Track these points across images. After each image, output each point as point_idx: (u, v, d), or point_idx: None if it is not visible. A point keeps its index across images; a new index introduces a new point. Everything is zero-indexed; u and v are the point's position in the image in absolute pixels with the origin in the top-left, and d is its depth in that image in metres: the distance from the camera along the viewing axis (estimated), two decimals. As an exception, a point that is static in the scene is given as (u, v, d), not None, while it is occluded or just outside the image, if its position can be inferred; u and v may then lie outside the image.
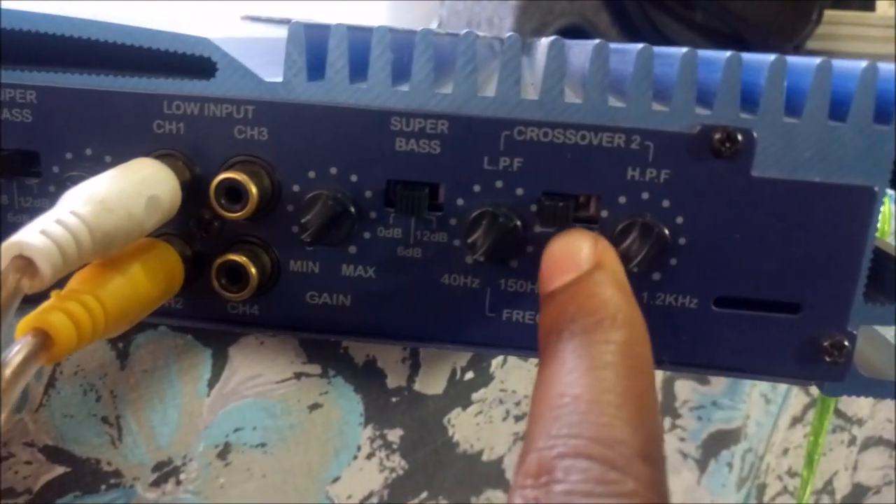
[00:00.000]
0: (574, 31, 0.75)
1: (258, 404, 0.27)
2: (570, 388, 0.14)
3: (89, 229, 0.15)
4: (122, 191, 0.16)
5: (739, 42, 0.81)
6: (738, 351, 0.20)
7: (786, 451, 0.45)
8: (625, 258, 0.18)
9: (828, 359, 0.19)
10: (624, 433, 0.14)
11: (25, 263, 0.14)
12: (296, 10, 0.75)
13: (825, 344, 0.19)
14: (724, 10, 0.78)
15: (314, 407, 0.28)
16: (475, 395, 0.31)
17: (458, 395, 0.31)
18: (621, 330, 0.15)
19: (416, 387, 0.30)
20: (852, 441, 0.46)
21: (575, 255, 0.17)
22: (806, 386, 0.22)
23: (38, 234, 0.14)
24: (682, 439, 0.40)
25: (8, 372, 0.13)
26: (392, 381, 0.29)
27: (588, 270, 0.17)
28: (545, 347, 0.16)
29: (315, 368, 0.27)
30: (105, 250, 0.16)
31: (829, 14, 0.88)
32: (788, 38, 0.83)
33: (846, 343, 0.19)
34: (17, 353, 0.14)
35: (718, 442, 0.41)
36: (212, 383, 0.26)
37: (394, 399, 0.29)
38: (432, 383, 0.30)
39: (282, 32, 0.29)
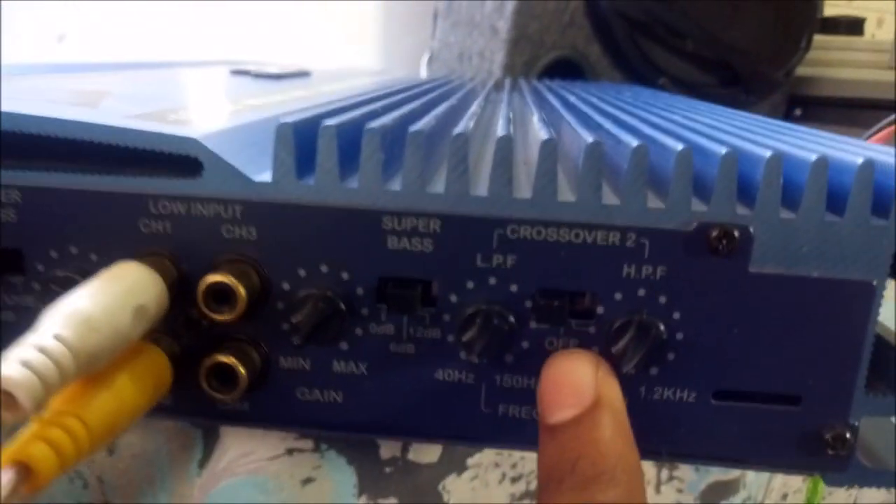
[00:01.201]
0: (565, 64, 0.75)
1: (250, 481, 0.26)
2: None
3: (73, 353, 0.15)
4: (108, 306, 0.16)
5: (729, 70, 0.81)
6: (738, 443, 0.19)
7: (785, 497, 0.44)
8: (621, 358, 0.18)
9: (830, 451, 0.19)
10: None
11: (6, 397, 0.14)
12: (280, 48, 0.75)
13: (827, 436, 0.19)
14: (714, 39, 0.78)
15: (307, 481, 0.27)
16: (470, 461, 0.31)
17: (453, 461, 0.31)
18: (619, 487, 0.15)
19: (410, 456, 0.29)
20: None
21: (576, 385, 0.17)
22: (808, 476, 0.22)
23: (18, 367, 0.14)
24: (680, 490, 0.40)
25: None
26: (386, 452, 0.29)
27: (589, 407, 0.16)
28: (544, 489, 0.16)
29: (307, 443, 0.27)
30: (90, 369, 0.15)
31: (818, 39, 0.88)
32: (778, 66, 0.84)
33: (848, 435, 0.19)
34: (-2, 491, 0.13)
35: (717, 493, 0.40)
36: (203, 463, 0.25)
37: (387, 469, 0.29)
38: (427, 452, 0.30)
39: (271, 97, 0.29)
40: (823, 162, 0.17)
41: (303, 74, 0.43)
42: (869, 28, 1.05)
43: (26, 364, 0.14)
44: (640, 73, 0.77)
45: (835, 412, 0.19)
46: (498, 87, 0.53)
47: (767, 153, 0.17)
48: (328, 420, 0.20)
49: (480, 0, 0.75)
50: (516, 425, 0.19)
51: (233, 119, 0.22)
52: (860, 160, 0.17)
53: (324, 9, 0.84)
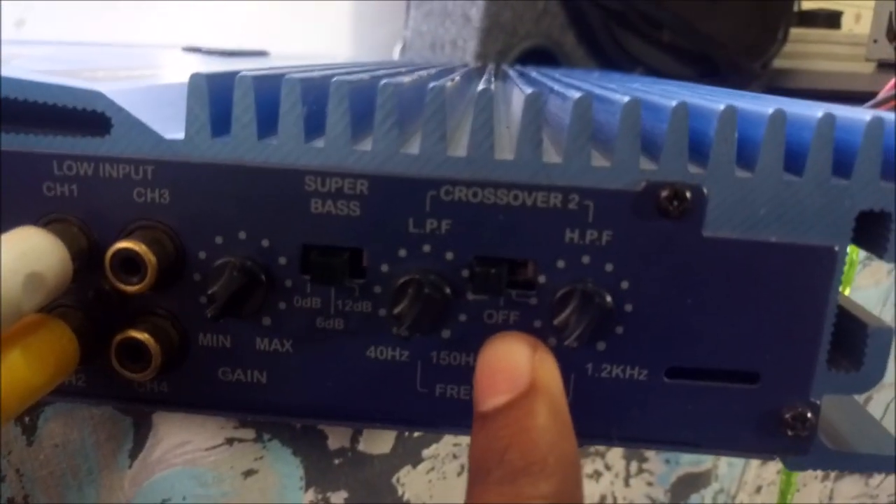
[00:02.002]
0: (540, 53, 0.74)
1: (187, 473, 0.25)
2: None
3: (-54, 321, 0.13)
4: (-8, 271, 0.14)
5: (707, 61, 0.80)
6: (692, 424, 0.18)
7: (759, 489, 0.43)
8: (563, 330, 0.16)
9: (790, 432, 0.18)
10: None
11: None
12: (248, 37, 0.74)
13: (787, 416, 0.18)
14: (692, 30, 0.77)
15: (249, 473, 0.26)
16: (426, 452, 0.30)
17: (408, 452, 0.29)
18: (551, 479, 0.14)
19: (361, 447, 0.28)
20: (826, 475, 0.44)
21: (510, 370, 0.16)
22: (767, 460, 0.20)
23: None
24: (650, 483, 0.39)
25: None
26: (334, 443, 0.27)
27: (523, 393, 0.15)
28: (472, 482, 0.15)
29: (248, 433, 0.25)
30: (-31, 341, 0.14)
31: (795, 32, 0.88)
32: (755, 57, 0.83)
33: (809, 414, 0.17)
34: None
35: (688, 485, 0.39)
36: (134, 454, 0.24)
37: (336, 461, 0.27)
38: (378, 443, 0.28)
39: (219, 66, 0.27)
40: (781, 115, 0.16)
41: (259, 54, 0.42)
42: (847, 23, 1.04)
43: None
44: (616, 63, 0.76)
45: (795, 390, 0.17)
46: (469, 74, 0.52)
47: (721, 106, 0.16)
48: (253, 402, 0.18)
49: (453, -12, 0.73)
50: (456, 407, 0.18)
51: (152, 80, 0.20)
52: (820, 114, 0.16)
53: (294, -2, 0.82)
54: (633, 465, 0.38)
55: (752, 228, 0.17)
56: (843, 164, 0.16)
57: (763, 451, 0.18)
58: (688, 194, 0.16)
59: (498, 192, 0.16)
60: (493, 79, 0.22)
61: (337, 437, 0.27)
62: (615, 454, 0.37)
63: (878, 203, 0.16)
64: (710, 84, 0.78)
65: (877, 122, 0.16)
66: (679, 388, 0.18)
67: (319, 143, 0.17)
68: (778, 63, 0.88)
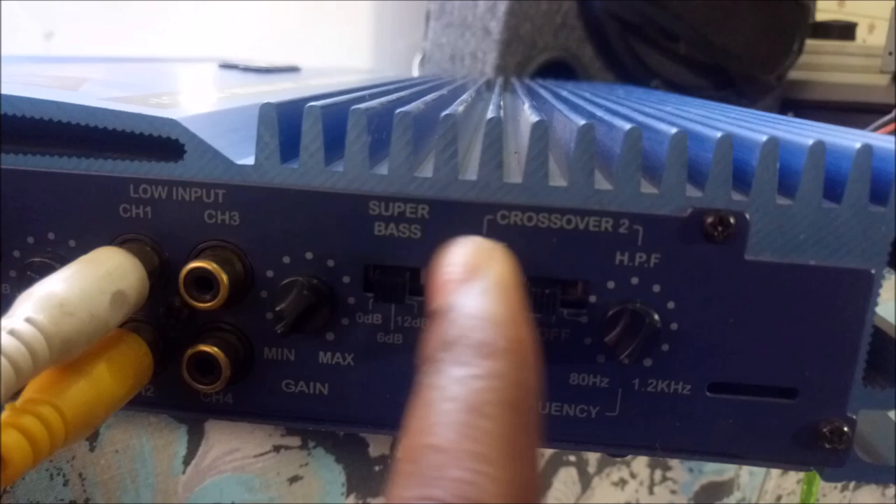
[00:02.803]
0: (558, 65, 0.75)
1: (236, 479, 0.26)
2: (429, 435, 0.12)
3: (46, 337, 0.14)
4: (84, 290, 0.15)
5: (722, 73, 0.81)
6: (733, 437, 0.19)
7: (779, 498, 0.44)
8: (614, 348, 0.17)
9: (827, 445, 0.18)
10: (489, 492, 0.12)
11: (-25, 383, 0.13)
12: (271, 49, 0.75)
13: (824, 430, 0.18)
14: (707, 42, 0.78)
15: (294, 479, 0.27)
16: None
17: (444, 460, 0.30)
18: (500, 360, 0.13)
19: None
20: (846, 486, 0.45)
21: (459, 265, 0.15)
22: (804, 472, 0.21)
23: (-12, 350, 0.13)
24: (674, 492, 0.39)
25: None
26: (375, 450, 0.28)
27: (470, 283, 0.14)
28: (423, 372, 0.14)
29: (294, 440, 0.26)
30: (65, 356, 0.15)
31: (810, 43, 0.89)
32: (770, 70, 0.83)
33: (846, 429, 0.18)
34: (-35, 480, 0.13)
35: (711, 494, 0.40)
36: (187, 460, 0.25)
37: (377, 468, 0.28)
38: (417, 450, 0.29)
39: (258, 87, 0.28)
40: (821, 147, 0.17)
41: (292, 69, 0.43)
42: (861, 33, 1.05)
43: (-4, 347, 0.13)
44: (633, 74, 0.77)
45: (832, 405, 0.18)
46: (490, 85, 0.53)
47: (763, 137, 0.17)
48: (314, 413, 0.19)
49: (473, 1, 0.75)
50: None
51: (218, 104, 0.21)
52: (858, 145, 0.17)
53: (315, 9, 0.84)
54: (658, 474, 0.39)
55: (792, 252, 0.17)
56: (879, 191, 0.17)
57: (801, 463, 0.19)
58: (732, 220, 0.17)
59: (552, 217, 0.17)
60: (534, 102, 0.23)
61: (378, 445, 0.28)
62: (640, 462, 0.38)
63: (913, 229, 0.17)
64: (726, 95, 0.79)
65: (913, 152, 0.17)
66: (721, 402, 0.19)
67: (383, 169, 0.18)
68: (793, 74, 0.89)
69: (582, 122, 0.17)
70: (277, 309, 0.18)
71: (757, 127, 0.20)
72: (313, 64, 0.57)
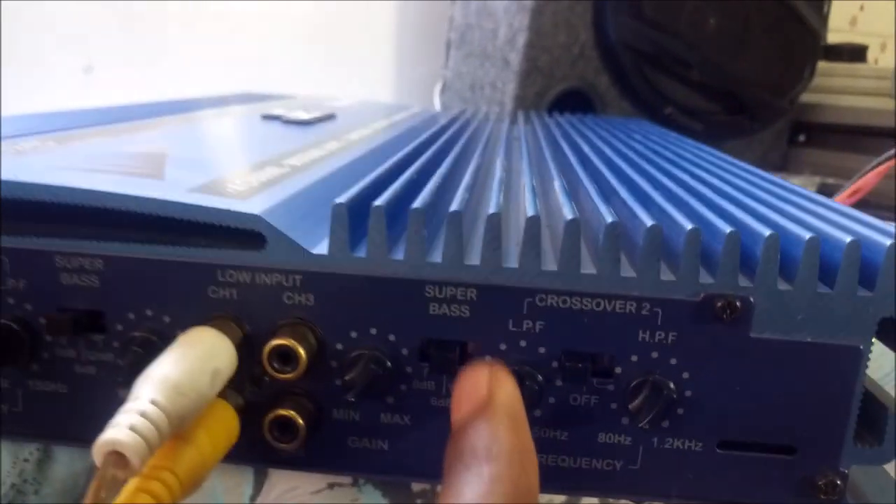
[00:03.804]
0: (575, 94, 0.77)
1: (294, 513, 0.29)
2: None
3: (168, 416, 0.17)
4: (191, 372, 0.18)
5: (735, 98, 0.83)
6: (739, 487, 0.22)
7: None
8: (637, 415, 0.20)
9: (822, 496, 0.21)
10: None
11: (118, 458, 0.16)
12: (295, 79, 0.78)
13: (819, 482, 0.21)
14: (720, 69, 0.80)
15: (345, 512, 0.30)
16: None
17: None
18: (501, 462, 0.17)
19: (440, 489, 0.31)
20: None
21: (471, 391, 0.19)
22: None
23: (126, 431, 0.16)
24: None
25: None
26: (417, 486, 0.31)
27: (480, 406, 0.18)
28: (444, 478, 0.18)
29: (346, 479, 0.29)
30: (179, 429, 0.18)
31: (821, 66, 0.91)
32: (782, 94, 0.86)
33: (838, 482, 0.21)
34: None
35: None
36: (254, 497, 0.28)
37: (418, 501, 0.31)
38: (454, 484, 0.32)
39: (310, 153, 0.31)
40: (815, 242, 0.20)
41: (328, 118, 0.46)
42: (873, 52, 1.07)
43: (133, 428, 0.16)
44: (648, 102, 0.79)
45: (826, 461, 0.21)
46: (512, 122, 0.55)
47: (767, 231, 0.20)
48: (375, 465, 0.22)
49: (493, 32, 0.77)
50: (545, 471, 0.22)
51: (286, 186, 0.24)
52: (848, 239, 0.20)
53: (339, 38, 0.87)
54: None
55: (791, 330, 0.20)
56: (868, 278, 0.20)
57: (799, 510, 0.22)
58: (738, 304, 0.20)
59: (583, 300, 0.20)
60: (562, 180, 0.26)
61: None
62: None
63: (896, 311, 0.20)
64: (739, 119, 0.81)
65: (894, 246, 0.20)
66: (728, 457, 0.21)
67: (437, 257, 0.20)
68: (805, 98, 0.91)
69: (609, 217, 0.20)
70: (347, 378, 0.21)
71: (763, 212, 0.23)
72: (342, 102, 0.60)
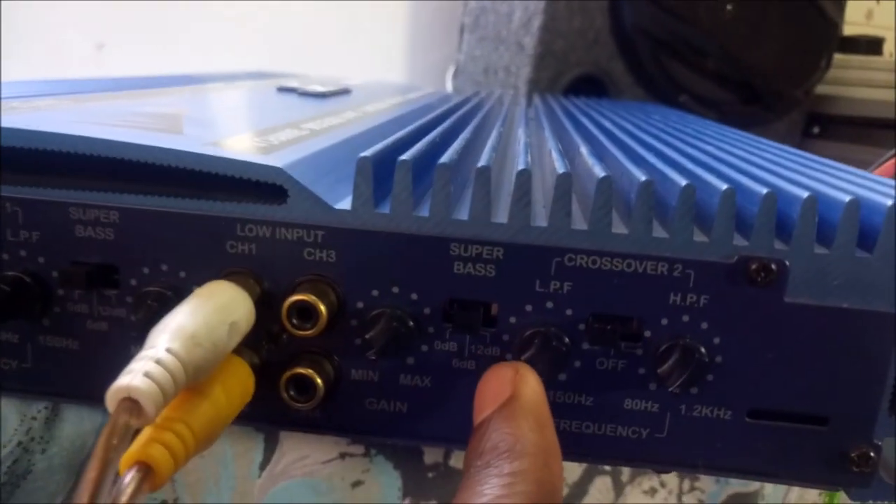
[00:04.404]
0: (589, 80, 0.76)
1: (305, 483, 0.28)
2: None
3: (184, 366, 0.16)
4: (208, 323, 0.18)
5: (750, 88, 0.82)
6: (769, 459, 0.21)
7: (801, 509, 0.46)
8: (666, 379, 0.20)
9: (855, 469, 0.21)
10: None
11: (132, 405, 0.15)
12: (309, 60, 0.77)
13: (853, 455, 0.21)
14: (735, 58, 0.79)
15: (356, 484, 0.29)
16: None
17: (491, 468, 0.32)
18: (525, 459, 0.17)
19: (452, 462, 0.31)
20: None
21: (495, 389, 0.19)
22: (833, 491, 0.23)
23: (142, 377, 0.16)
24: (701, 501, 0.41)
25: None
26: (429, 458, 0.30)
27: (502, 404, 0.18)
28: (462, 480, 0.17)
29: (358, 448, 0.29)
30: (194, 380, 0.17)
31: (837, 58, 0.90)
32: (797, 85, 0.85)
33: (872, 454, 0.20)
34: (126, 486, 0.15)
35: None
36: (263, 465, 0.27)
37: (430, 474, 0.31)
38: (467, 459, 0.31)
39: (329, 119, 0.30)
40: (855, 204, 0.19)
41: (344, 92, 0.45)
42: (889, 47, 1.06)
43: (148, 375, 0.16)
44: (662, 90, 0.79)
45: (860, 433, 0.20)
46: (530, 103, 0.55)
47: (804, 194, 0.19)
48: (393, 429, 0.22)
49: (507, 16, 0.77)
50: (567, 437, 0.21)
51: (308, 146, 0.24)
52: (889, 202, 0.19)
53: (351, 21, 0.86)
54: (686, 484, 0.41)
55: (827, 296, 0.20)
56: (904, 243, 0.19)
57: (830, 483, 0.21)
58: (773, 267, 0.19)
59: (613, 261, 0.20)
60: (590, 146, 0.25)
61: (431, 454, 0.30)
62: (670, 473, 0.40)
63: (935, 278, 0.19)
64: (754, 109, 0.80)
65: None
66: (759, 427, 0.21)
67: (463, 215, 0.20)
68: (820, 89, 0.90)
69: (641, 176, 0.19)
70: (367, 336, 0.20)
71: (797, 178, 0.22)
72: (355, 80, 0.59)
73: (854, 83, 0.92)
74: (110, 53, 0.73)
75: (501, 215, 0.20)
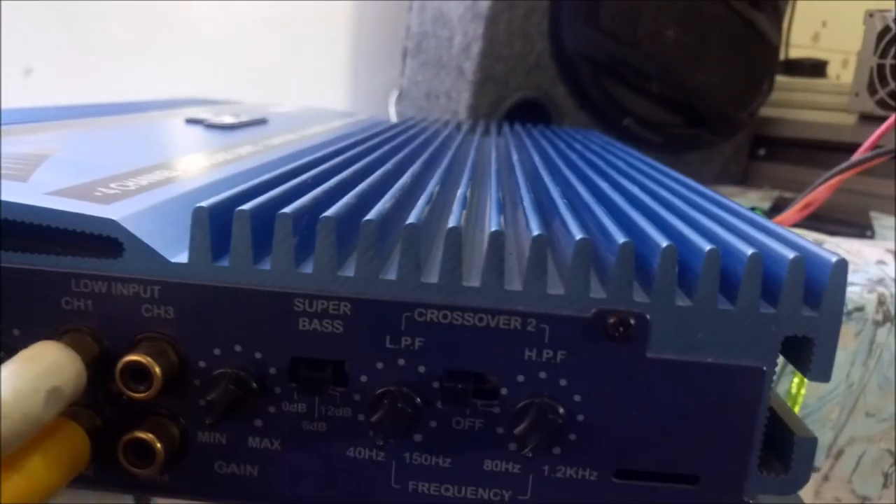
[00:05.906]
0: (531, 104, 0.76)
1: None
2: None
3: (-21, 441, 0.15)
4: (18, 391, 0.16)
5: (694, 110, 0.82)
6: (639, 519, 0.20)
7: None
8: (522, 439, 0.19)
9: (726, 528, 0.20)
10: None
11: None
12: (249, 87, 0.76)
13: (723, 514, 0.20)
14: (678, 81, 0.79)
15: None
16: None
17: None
18: None
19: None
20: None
21: None
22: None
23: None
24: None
25: None
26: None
27: None
28: None
29: None
30: (4, 454, 0.16)
31: (782, 81, 0.90)
32: (741, 108, 0.85)
33: (743, 513, 0.20)
34: None
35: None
36: (134, 525, 0.26)
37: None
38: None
39: (217, 156, 0.29)
40: (716, 253, 0.18)
41: (259, 122, 0.44)
42: (834, 68, 1.07)
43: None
44: (606, 113, 0.78)
45: (730, 490, 0.20)
46: (458, 128, 0.54)
47: (664, 242, 0.18)
48: (245, 492, 0.20)
49: (448, 41, 0.76)
50: (426, 501, 0.20)
51: (167, 191, 0.22)
52: (750, 251, 0.18)
53: (294, 45, 0.85)
54: None
55: (691, 350, 0.19)
56: (771, 293, 0.19)
57: (702, 544, 0.20)
58: (632, 321, 0.18)
59: (465, 315, 0.19)
60: (466, 204, 0.24)
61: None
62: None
63: (801, 329, 0.19)
64: (698, 132, 0.80)
65: (799, 259, 0.18)
66: (626, 487, 0.20)
67: (308, 268, 0.19)
68: (765, 111, 0.90)
69: (493, 228, 0.18)
70: (208, 399, 0.19)
71: (670, 222, 0.21)
72: (285, 108, 0.58)
73: (799, 105, 0.92)
74: (39, 78, 0.71)
75: (349, 268, 0.19)
